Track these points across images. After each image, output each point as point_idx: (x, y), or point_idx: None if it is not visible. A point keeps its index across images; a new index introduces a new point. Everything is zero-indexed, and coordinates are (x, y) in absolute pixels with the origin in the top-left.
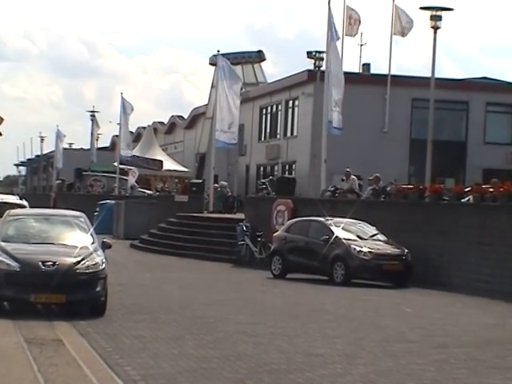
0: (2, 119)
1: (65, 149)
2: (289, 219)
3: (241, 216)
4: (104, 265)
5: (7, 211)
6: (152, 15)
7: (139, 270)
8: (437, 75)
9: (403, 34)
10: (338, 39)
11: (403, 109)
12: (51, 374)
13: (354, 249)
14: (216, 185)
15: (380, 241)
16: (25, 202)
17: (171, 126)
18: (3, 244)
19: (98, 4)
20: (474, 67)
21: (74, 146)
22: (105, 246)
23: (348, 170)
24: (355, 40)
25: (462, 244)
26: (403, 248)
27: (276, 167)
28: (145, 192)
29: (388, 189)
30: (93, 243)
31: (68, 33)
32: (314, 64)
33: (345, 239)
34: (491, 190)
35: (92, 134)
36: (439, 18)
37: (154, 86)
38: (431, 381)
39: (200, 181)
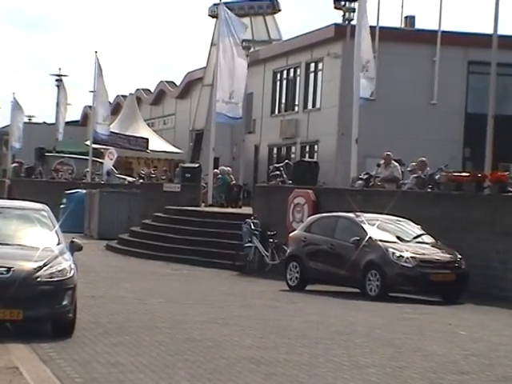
0: None
1: (24, 123)
2: (309, 215)
3: (248, 211)
4: (72, 272)
5: None
6: None
7: (117, 279)
8: (500, 32)
9: None
10: None
11: (457, 74)
12: None
13: (393, 253)
14: (217, 170)
15: (426, 243)
16: None
17: (159, 95)
18: None
19: None
20: None
21: (34, 120)
22: (74, 248)
23: (388, 153)
24: None
25: None
26: (455, 253)
27: (293, 148)
28: (125, 179)
29: (437, 177)
30: (58, 244)
31: None
32: (343, 16)
33: (381, 241)
34: None
35: (58, 104)
36: None
37: (137, 43)
38: None
39: (196, 165)
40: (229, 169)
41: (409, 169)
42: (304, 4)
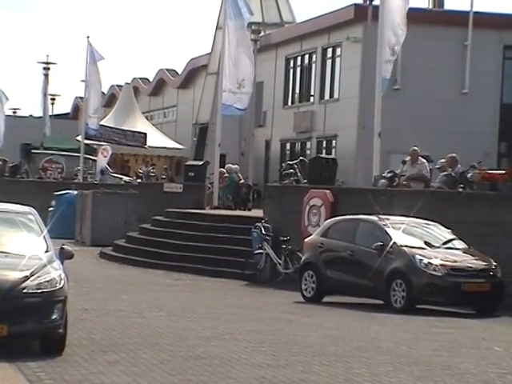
0: None
1: (7, 116)
2: (327, 218)
3: (258, 214)
4: (62, 282)
5: None
6: None
7: (113, 290)
8: None
9: None
10: None
11: (491, 60)
12: None
13: (421, 261)
14: (223, 169)
15: (457, 249)
16: None
17: (159, 85)
18: None
19: None
20: None
21: (20, 113)
22: (64, 256)
23: (415, 148)
24: None
25: None
26: (490, 260)
27: (309, 144)
28: (121, 178)
29: (469, 175)
30: (47, 251)
31: None
32: None
33: (407, 247)
34: None
35: (45, 95)
36: None
37: (134, 26)
38: None
39: (200, 163)
40: (237, 167)
41: (438, 166)
42: None
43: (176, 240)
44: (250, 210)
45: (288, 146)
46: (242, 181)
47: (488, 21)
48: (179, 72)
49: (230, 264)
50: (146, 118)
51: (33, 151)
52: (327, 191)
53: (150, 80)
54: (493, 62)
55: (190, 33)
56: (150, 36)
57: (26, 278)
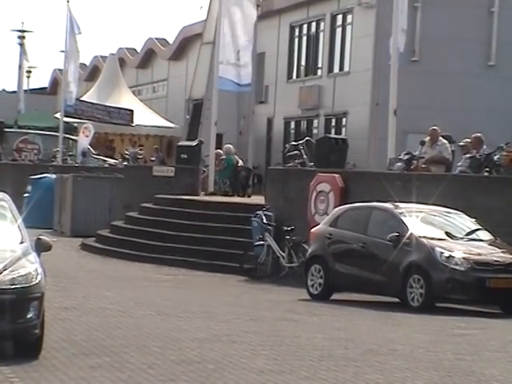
0: None
1: None
2: (336, 206)
3: (259, 200)
4: (39, 277)
5: None
6: None
7: (96, 286)
8: None
9: None
10: None
11: None
12: None
13: (441, 254)
14: (220, 150)
15: (482, 241)
16: None
17: (148, 56)
18: None
19: None
20: None
21: None
22: (41, 248)
23: (434, 127)
24: None
25: None
26: None
27: (316, 122)
28: (105, 161)
29: (496, 157)
30: (21, 242)
31: None
32: None
33: (426, 238)
34: None
35: (20, 67)
36: None
37: None
38: None
39: (194, 143)
40: (230, 146)
41: (461, 144)
42: None
43: (167, 230)
44: (249, 196)
45: (292, 124)
46: (241, 164)
47: None
48: (170, 41)
49: (228, 257)
50: (133, 92)
51: (5, 130)
52: (336, 175)
53: (138, 51)
54: None
55: None
56: (137, 1)
57: None
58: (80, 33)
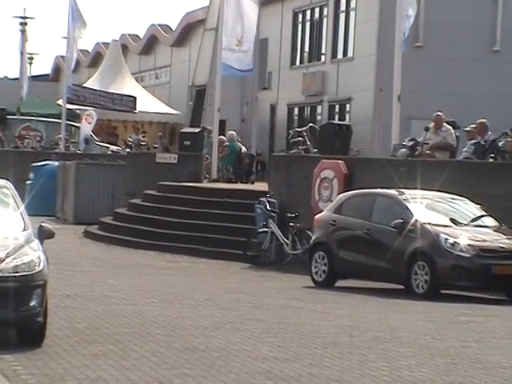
0: None
1: None
2: (340, 192)
3: (263, 187)
4: (42, 265)
5: None
6: None
7: (99, 274)
8: None
9: None
10: None
11: None
12: None
13: (446, 240)
14: (223, 137)
15: (487, 227)
16: None
17: (150, 42)
18: None
19: None
20: None
21: None
22: (44, 235)
23: (439, 113)
24: None
25: None
26: None
27: (319, 108)
28: (108, 148)
29: (501, 143)
30: (24, 230)
31: None
32: None
33: (430, 225)
34: None
35: (22, 53)
36: None
37: None
38: None
39: (197, 130)
40: (233, 132)
41: (466, 129)
42: None
43: (170, 217)
44: (253, 183)
45: (296, 110)
46: (244, 150)
47: None
48: (173, 28)
49: (231, 244)
50: (136, 79)
51: (8, 117)
52: (340, 162)
53: (141, 37)
54: None
55: None
56: None
57: (1, 260)
58: (85, 25)
